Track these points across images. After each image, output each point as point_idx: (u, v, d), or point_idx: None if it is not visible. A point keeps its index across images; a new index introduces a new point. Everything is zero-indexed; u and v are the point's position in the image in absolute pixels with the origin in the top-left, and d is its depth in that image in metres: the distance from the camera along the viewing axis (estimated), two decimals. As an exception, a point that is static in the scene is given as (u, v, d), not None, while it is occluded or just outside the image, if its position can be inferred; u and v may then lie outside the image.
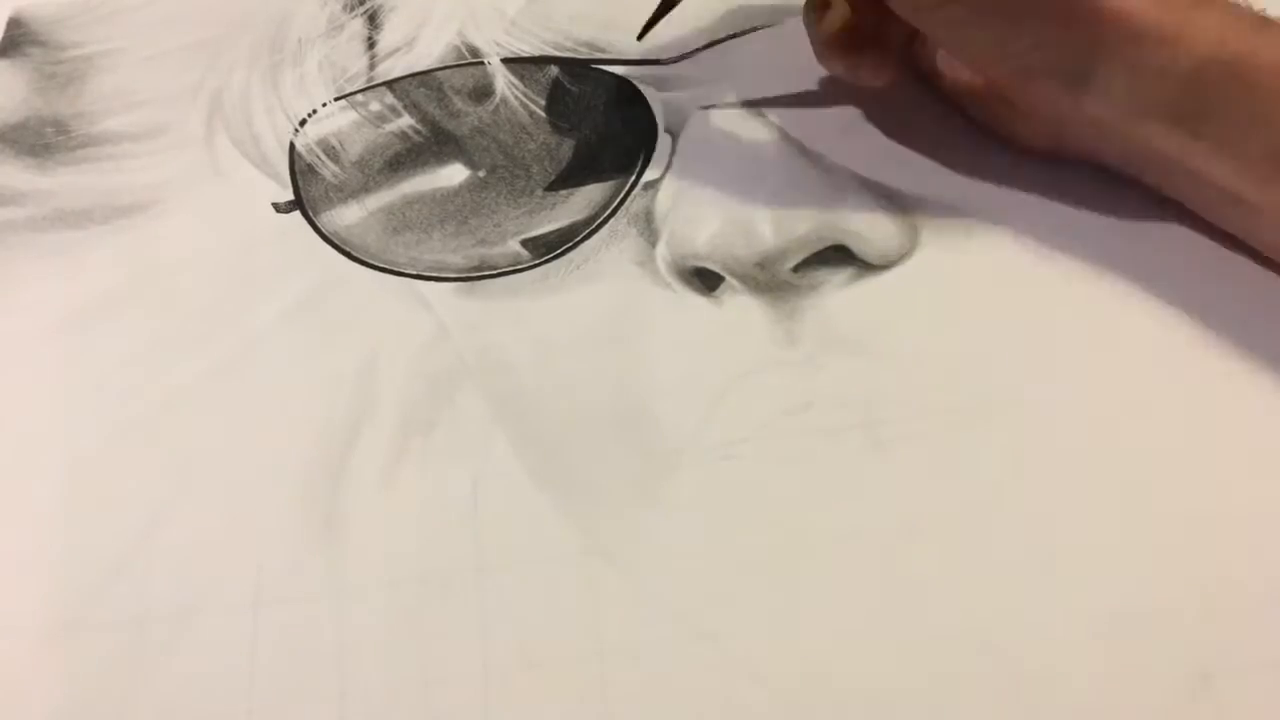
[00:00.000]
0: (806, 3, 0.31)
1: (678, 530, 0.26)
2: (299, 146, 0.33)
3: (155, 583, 0.26)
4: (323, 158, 0.33)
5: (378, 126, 0.34)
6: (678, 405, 0.27)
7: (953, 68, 0.31)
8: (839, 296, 0.29)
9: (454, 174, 0.32)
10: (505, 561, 0.25)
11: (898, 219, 0.30)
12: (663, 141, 0.32)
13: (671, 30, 0.34)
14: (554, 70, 0.34)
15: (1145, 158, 0.28)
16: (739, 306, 0.29)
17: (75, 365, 0.30)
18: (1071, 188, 0.30)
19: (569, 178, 0.32)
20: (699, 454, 0.27)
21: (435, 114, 0.34)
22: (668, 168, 0.32)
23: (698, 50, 0.34)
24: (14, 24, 0.38)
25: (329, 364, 0.29)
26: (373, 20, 0.37)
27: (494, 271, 0.30)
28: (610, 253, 0.30)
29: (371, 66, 0.35)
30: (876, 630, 0.24)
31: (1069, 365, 0.27)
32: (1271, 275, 0.28)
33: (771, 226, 0.29)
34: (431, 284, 0.30)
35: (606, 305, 0.29)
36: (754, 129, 0.32)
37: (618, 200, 0.31)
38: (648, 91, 0.33)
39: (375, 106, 0.34)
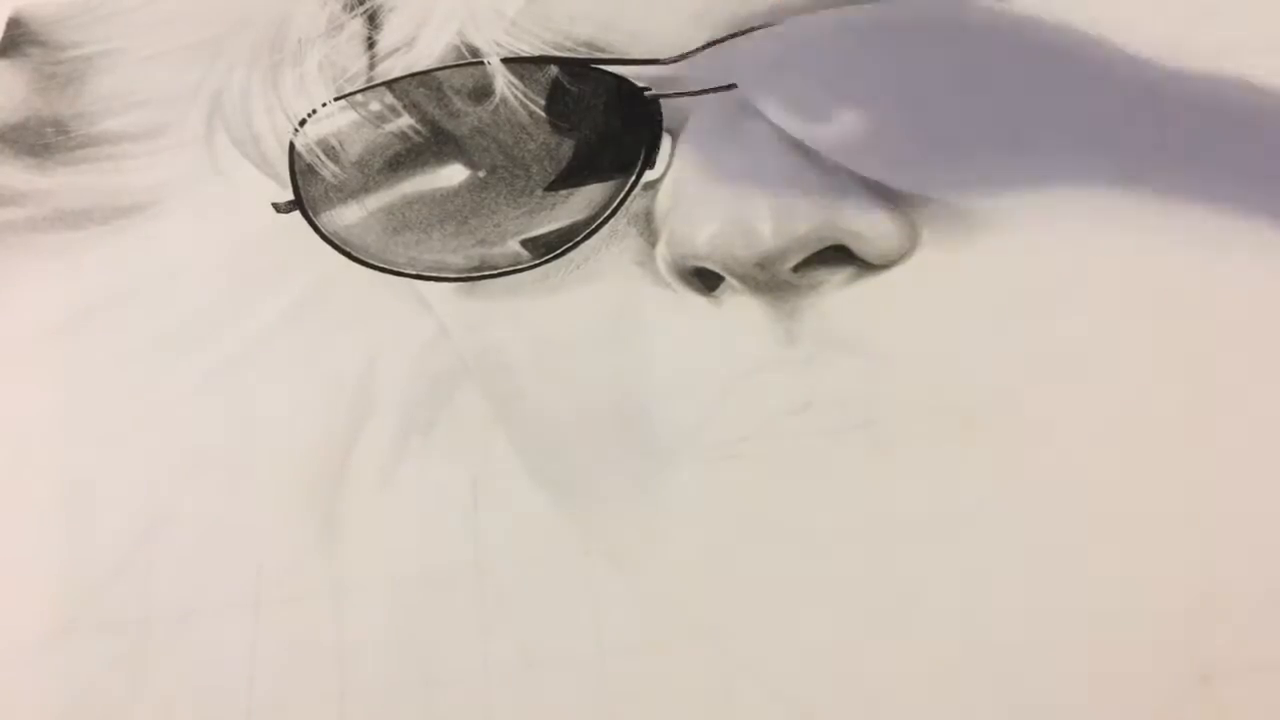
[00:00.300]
0: None
1: (678, 530, 0.26)
2: (299, 146, 0.33)
3: (155, 583, 0.26)
4: (323, 158, 0.33)
5: (377, 126, 0.34)
6: (678, 405, 0.27)
7: None
8: (839, 296, 0.29)
9: (454, 174, 0.32)
10: (505, 561, 0.25)
11: (898, 219, 0.30)
12: (663, 141, 0.32)
13: (671, 30, 0.34)
14: (554, 70, 0.34)
15: None
16: (739, 306, 0.29)
17: (75, 365, 0.30)
18: (1071, 186, 0.30)
19: (569, 178, 0.32)
20: (699, 454, 0.27)
21: (435, 114, 0.34)
22: (668, 168, 0.32)
23: (698, 50, 0.34)
24: (14, 24, 0.38)
25: (329, 364, 0.29)
26: (373, 20, 0.37)
27: (494, 271, 0.30)
28: (610, 253, 0.30)
29: (371, 66, 0.35)
30: (876, 630, 0.24)
31: (1069, 365, 0.27)
32: (1275, 277, 0.28)
33: (771, 226, 0.29)
34: (431, 284, 0.30)
35: (606, 305, 0.29)
36: (754, 129, 0.32)
37: (618, 200, 0.31)
38: (648, 92, 0.33)
39: (375, 106, 0.34)
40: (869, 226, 0.29)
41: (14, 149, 0.34)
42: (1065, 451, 0.26)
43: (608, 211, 0.31)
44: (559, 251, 0.31)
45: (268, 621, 0.25)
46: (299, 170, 0.33)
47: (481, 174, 0.32)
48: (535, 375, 0.28)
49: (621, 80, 0.34)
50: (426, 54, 0.36)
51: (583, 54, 0.35)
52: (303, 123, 0.34)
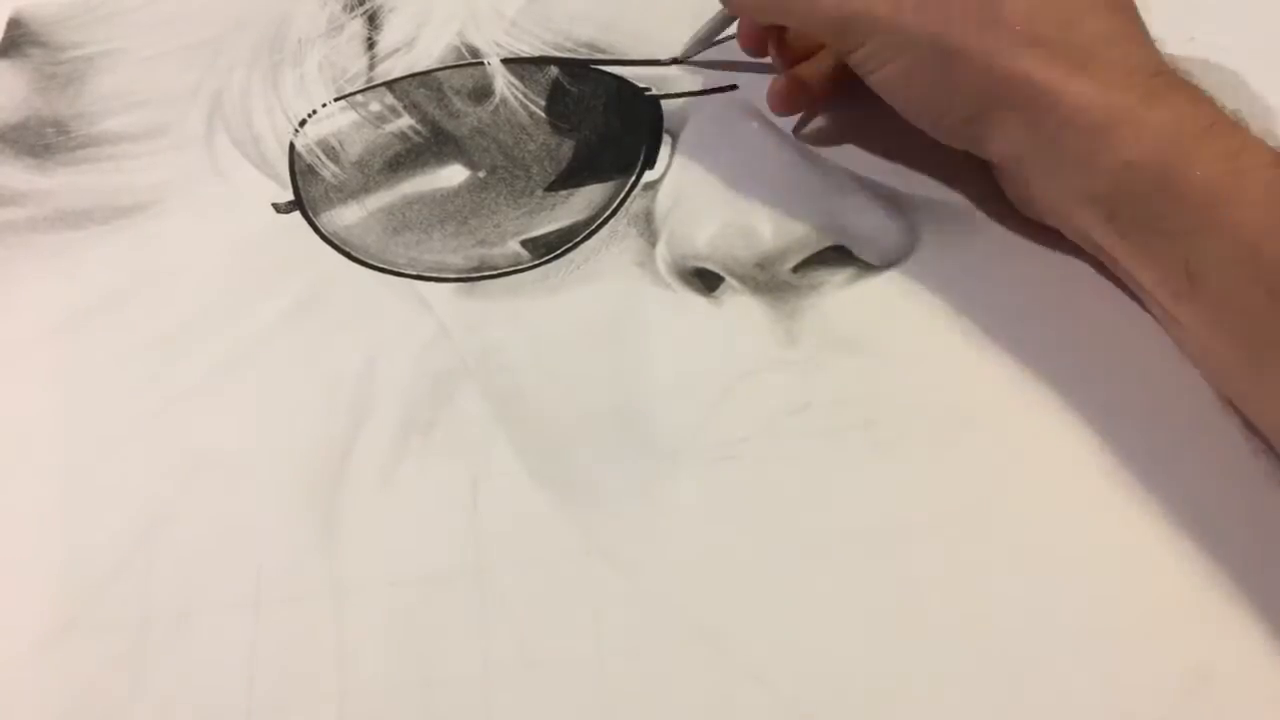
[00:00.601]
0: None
1: (678, 530, 0.26)
2: (299, 147, 0.33)
3: (155, 583, 0.26)
4: (323, 158, 0.33)
5: (378, 127, 0.34)
6: (678, 405, 0.27)
7: None
8: (839, 296, 0.29)
9: (454, 174, 0.32)
10: (505, 561, 0.25)
11: (898, 219, 0.30)
12: (663, 142, 0.32)
13: (671, 31, 0.34)
14: (554, 70, 0.34)
15: (1091, 245, 0.27)
16: (739, 306, 0.29)
17: (75, 365, 0.30)
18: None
19: (569, 178, 0.32)
20: (699, 454, 0.27)
21: (435, 114, 0.34)
22: (668, 168, 0.32)
23: (698, 50, 0.34)
24: (14, 24, 0.38)
25: (329, 364, 0.29)
26: (373, 20, 0.37)
27: (494, 272, 0.30)
28: (610, 253, 0.30)
29: (371, 67, 0.35)
30: (876, 630, 0.24)
31: (1069, 365, 0.27)
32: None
33: (771, 227, 0.29)
34: (431, 284, 0.30)
35: (606, 305, 0.29)
36: (754, 129, 0.32)
37: (618, 200, 0.31)
38: (648, 92, 0.33)
39: (375, 107, 0.34)
40: (869, 226, 0.29)
41: (14, 149, 0.34)
42: (1064, 451, 0.26)
43: (608, 212, 0.31)
44: (559, 252, 0.31)
45: (268, 621, 0.25)
46: (299, 170, 0.33)
47: (481, 174, 0.32)
48: (535, 375, 0.28)
49: (621, 80, 0.34)
50: (426, 54, 0.36)
51: (583, 54, 0.35)
52: (303, 123, 0.34)
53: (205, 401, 0.29)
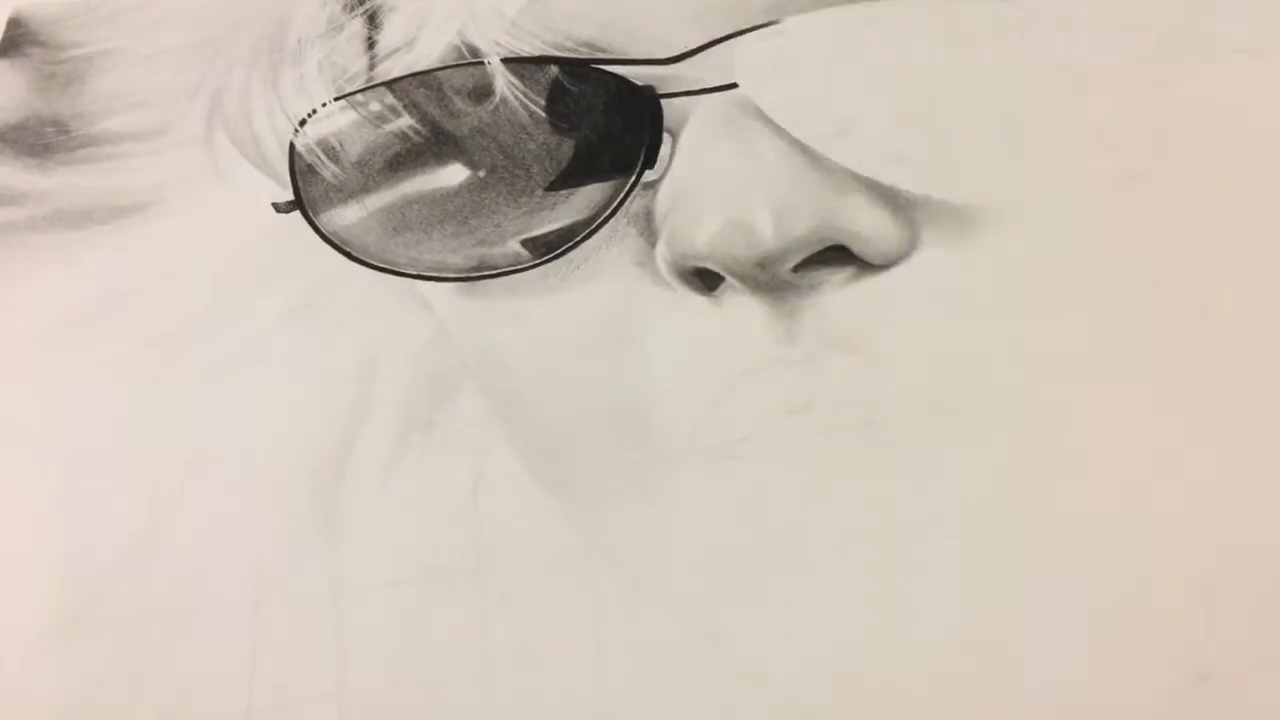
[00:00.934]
0: None
1: (678, 530, 0.26)
2: (299, 147, 0.33)
3: (155, 583, 0.26)
4: (323, 158, 0.33)
5: (378, 126, 0.34)
6: (678, 405, 0.27)
7: None
8: (839, 296, 0.29)
9: (454, 174, 0.32)
10: (505, 561, 0.25)
11: (898, 219, 0.30)
12: (663, 141, 0.32)
13: (671, 31, 0.34)
14: (554, 70, 0.34)
15: None
16: (739, 306, 0.29)
17: (75, 365, 0.30)
18: (1071, 186, 0.30)
19: (569, 178, 0.32)
20: (699, 454, 0.27)
21: (435, 114, 0.34)
22: (668, 167, 0.32)
23: (697, 50, 0.34)
24: (14, 24, 0.38)
25: (329, 364, 0.29)
26: (373, 20, 0.37)
27: (494, 271, 0.30)
28: (610, 253, 0.30)
29: (371, 66, 0.35)
30: (876, 630, 0.24)
31: (1069, 365, 0.27)
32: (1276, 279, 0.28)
33: (771, 226, 0.29)
34: (431, 284, 0.30)
35: (606, 305, 0.29)
36: (754, 129, 0.32)
37: (618, 200, 0.31)
38: (647, 91, 0.33)
39: (375, 107, 0.34)
40: (869, 226, 0.29)
41: (14, 149, 0.34)
42: (1064, 451, 0.26)
43: (608, 211, 0.31)
44: (559, 251, 0.31)
45: (268, 621, 0.25)
46: (299, 170, 0.33)
47: (481, 174, 0.32)
48: (535, 375, 0.28)
49: (622, 80, 0.34)
50: (426, 54, 0.36)
51: (583, 54, 0.35)
52: (303, 123, 0.34)
53: (205, 401, 0.29)
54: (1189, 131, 0.30)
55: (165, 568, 0.26)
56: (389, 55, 0.36)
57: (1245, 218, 0.29)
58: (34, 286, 0.31)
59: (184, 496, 0.27)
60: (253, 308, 0.30)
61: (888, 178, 0.31)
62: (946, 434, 0.26)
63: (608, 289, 0.30)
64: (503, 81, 0.34)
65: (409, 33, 0.36)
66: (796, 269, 0.29)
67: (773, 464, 0.26)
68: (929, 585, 0.24)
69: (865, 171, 0.31)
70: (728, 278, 0.29)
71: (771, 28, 0.35)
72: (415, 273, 0.30)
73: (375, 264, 0.31)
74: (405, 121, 0.34)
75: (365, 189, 0.32)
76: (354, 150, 0.33)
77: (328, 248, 0.31)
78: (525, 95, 0.34)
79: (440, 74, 0.35)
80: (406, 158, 0.33)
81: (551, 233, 0.31)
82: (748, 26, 0.35)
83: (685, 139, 0.32)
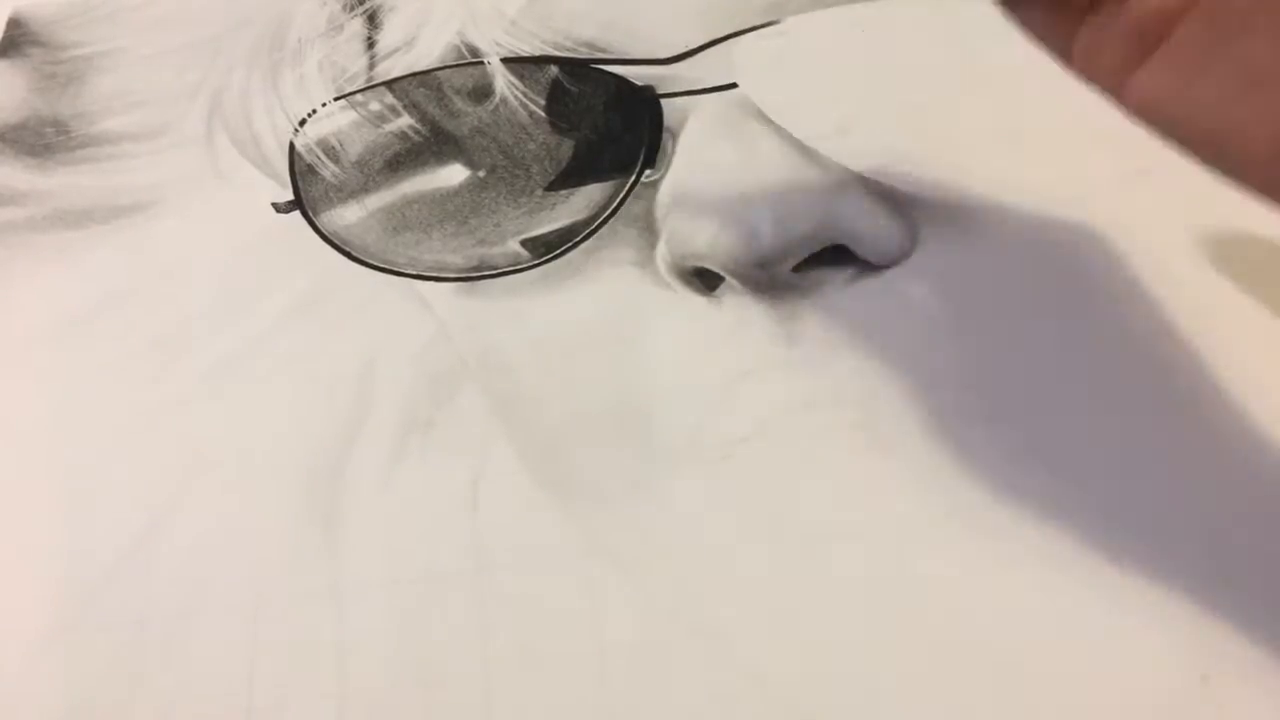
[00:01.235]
0: None
1: (678, 530, 0.26)
2: (299, 146, 0.33)
3: (155, 583, 0.26)
4: (322, 158, 0.33)
5: (377, 126, 0.34)
6: (678, 405, 0.27)
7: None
8: (839, 296, 0.29)
9: (454, 174, 0.32)
10: (505, 561, 0.25)
11: (898, 219, 0.30)
12: (663, 141, 0.32)
13: (671, 31, 0.34)
14: (554, 70, 0.34)
15: None
16: (739, 306, 0.29)
17: (75, 365, 0.30)
18: (1071, 186, 0.30)
19: (569, 178, 0.32)
20: (699, 454, 0.27)
21: (435, 114, 0.34)
22: (668, 167, 0.32)
23: (697, 50, 0.34)
24: (14, 24, 0.38)
25: (329, 364, 0.29)
26: (372, 20, 0.37)
27: (494, 271, 0.30)
28: (610, 253, 0.30)
29: (371, 66, 0.35)
30: (876, 630, 0.24)
31: (1069, 365, 0.27)
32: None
33: (771, 226, 0.29)
34: (431, 284, 0.30)
35: (606, 305, 0.29)
36: (754, 129, 0.32)
37: (618, 200, 0.31)
38: (647, 91, 0.33)
39: (375, 106, 0.34)
40: (869, 226, 0.29)
41: (14, 149, 0.34)
42: (1064, 451, 0.26)
43: (608, 211, 0.31)
44: (559, 251, 0.31)
45: (268, 621, 0.25)
46: (299, 170, 0.33)
47: (481, 174, 0.32)
48: (535, 375, 0.28)
49: (621, 80, 0.34)
50: (426, 54, 0.36)
51: (583, 54, 0.35)
52: (303, 123, 0.34)
53: (205, 401, 0.29)
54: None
55: (165, 568, 0.26)
56: (389, 55, 0.36)
57: (1245, 212, 0.29)
58: (34, 286, 0.31)
59: (184, 497, 0.27)
60: (253, 308, 0.30)
61: (888, 178, 0.31)
62: (946, 434, 0.26)
63: (608, 289, 0.30)
64: (503, 81, 0.34)
65: (409, 33, 0.36)
66: (796, 269, 0.29)
67: (772, 464, 0.26)
68: (928, 585, 0.24)
69: (865, 171, 0.31)
70: (728, 278, 0.29)
71: (771, 28, 0.35)
72: (415, 273, 0.30)
73: (375, 264, 0.31)
74: (405, 121, 0.34)
75: (365, 189, 0.32)
76: (354, 150, 0.33)
77: (328, 248, 0.31)
78: (525, 95, 0.34)
79: (440, 74, 0.35)
80: (406, 158, 0.33)
81: (551, 233, 0.31)
82: (748, 26, 0.35)
83: (685, 139, 0.32)
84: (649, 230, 0.31)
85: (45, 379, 0.29)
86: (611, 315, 0.29)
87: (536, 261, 0.30)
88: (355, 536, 0.26)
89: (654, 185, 0.31)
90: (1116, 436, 0.26)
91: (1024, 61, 0.31)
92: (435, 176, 0.32)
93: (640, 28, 0.35)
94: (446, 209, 0.32)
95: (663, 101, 0.33)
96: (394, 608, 0.25)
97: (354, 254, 0.31)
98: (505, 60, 0.35)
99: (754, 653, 0.24)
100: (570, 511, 0.26)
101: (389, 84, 0.35)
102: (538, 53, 0.35)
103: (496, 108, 0.34)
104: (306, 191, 0.33)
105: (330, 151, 0.33)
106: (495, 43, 0.35)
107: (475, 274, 0.30)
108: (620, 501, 0.26)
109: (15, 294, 0.31)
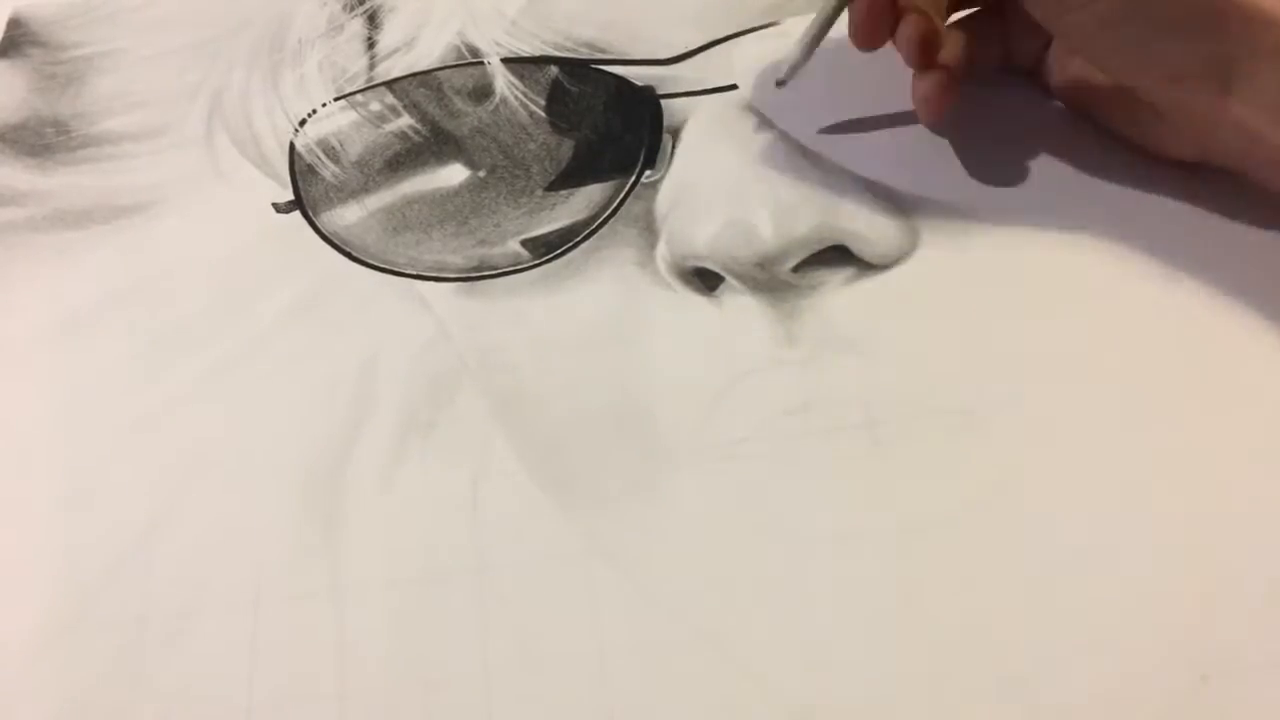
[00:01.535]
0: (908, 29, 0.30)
1: (678, 530, 0.26)
2: (299, 146, 0.33)
3: (155, 583, 0.26)
4: (323, 158, 0.33)
5: (378, 126, 0.34)
6: (678, 405, 0.27)
7: (1081, 76, 0.30)
8: (839, 296, 0.29)
9: (454, 174, 0.32)
10: (505, 561, 0.25)
11: (898, 219, 0.30)
12: (663, 141, 0.32)
13: (671, 31, 0.34)
14: (554, 70, 0.34)
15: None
16: (739, 306, 0.29)
17: (75, 365, 0.30)
18: (1070, 187, 0.30)
19: (569, 178, 0.32)
20: (699, 454, 0.27)
21: (435, 114, 0.34)
22: (668, 168, 0.32)
23: (697, 50, 0.34)
24: (14, 24, 0.38)
25: (329, 364, 0.29)
26: (373, 20, 0.37)
27: (494, 271, 0.30)
28: (610, 253, 0.30)
29: (371, 66, 0.35)
30: (876, 630, 0.24)
31: (1069, 365, 0.27)
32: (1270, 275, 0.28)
33: (771, 226, 0.29)
34: (431, 284, 0.30)
35: (606, 305, 0.29)
36: (754, 129, 0.32)
37: (618, 200, 0.31)
38: (647, 91, 0.33)
39: (375, 106, 0.34)
40: (869, 226, 0.29)
41: (14, 149, 0.34)
42: (1064, 451, 0.26)
43: (608, 211, 0.31)
44: (559, 251, 0.31)
45: (268, 621, 0.25)
46: (299, 170, 0.33)
47: (481, 174, 0.32)
48: (535, 375, 0.28)
49: (621, 80, 0.34)
50: (426, 54, 0.36)
51: (583, 54, 0.35)
52: (303, 123, 0.34)
53: (205, 401, 0.29)
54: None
55: (165, 568, 0.26)
56: (389, 55, 0.36)
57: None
58: (34, 286, 0.31)
59: (184, 497, 0.27)
60: (253, 308, 0.30)
61: (888, 178, 0.31)
62: (946, 434, 0.26)
63: (608, 289, 0.30)
64: (503, 81, 0.34)
65: (409, 33, 0.36)
66: (796, 269, 0.29)
67: (772, 464, 0.26)
68: (929, 585, 0.24)
69: (865, 171, 0.31)
70: (728, 278, 0.29)
71: (772, 28, 0.35)
72: (415, 273, 0.31)
73: (375, 264, 0.31)
74: (405, 121, 0.34)
75: (365, 189, 0.32)
76: (354, 150, 0.33)
77: (328, 248, 0.31)
78: (525, 95, 0.34)
79: (440, 74, 0.35)
80: (406, 158, 0.33)
81: (551, 233, 0.31)
82: (748, 27, 0.35)
83: (685, 139, 0.32)
84: (649, 230, 0.31)
85: (45, 379, 0.29)
86: (611, 315, 0.29)
87: (537, 261, 0.30)
88: (355, 536, 0.26)
89: (654, 185, 0.31)
90: (1116, 436, 0.26)
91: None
92: (435, 176, 0.32)
93: (640, 29, 0.35)
94: (447, 209, 0.32)
95: (663, 102, 0.33)
96: (394, 608, 0.25)
97: (354, 254, 0.31)
98: (505, 60, 0.35)
99: (754, 652, 0.24)
100: (570, 512, 0.26)
101: (389, 84, 0.35)
102: (538, 53, 0.35)
103: (497, 108, 0.34)
104: (306, 191, 0.33)
105: (330, 151, 0.33)
106: (495, 43, 0.35)
107: (475, 274, 0.30)
108: (620, 501, 0.26)
109: (15, 294, 0.31)
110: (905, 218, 0.30)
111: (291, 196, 0.32)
